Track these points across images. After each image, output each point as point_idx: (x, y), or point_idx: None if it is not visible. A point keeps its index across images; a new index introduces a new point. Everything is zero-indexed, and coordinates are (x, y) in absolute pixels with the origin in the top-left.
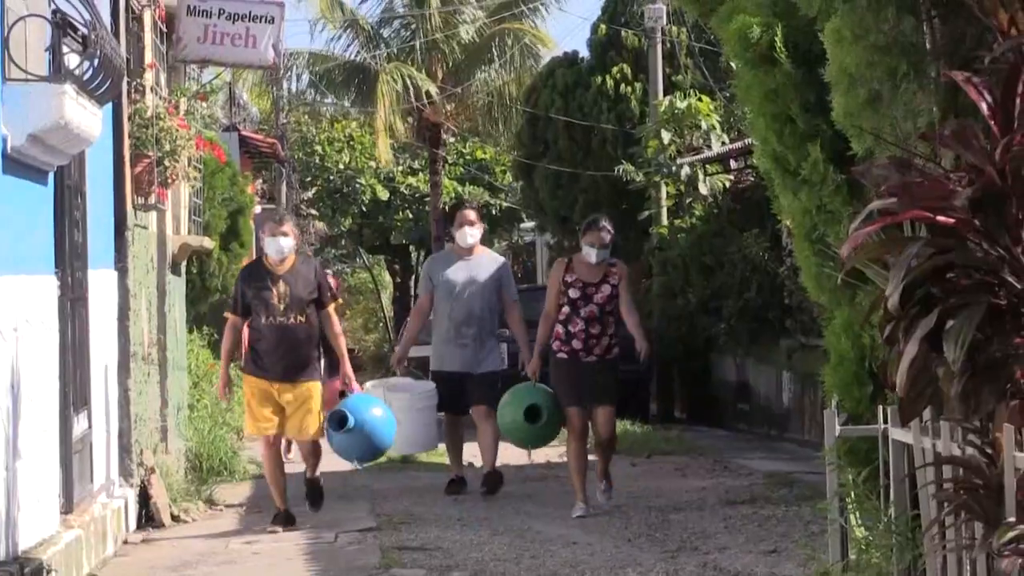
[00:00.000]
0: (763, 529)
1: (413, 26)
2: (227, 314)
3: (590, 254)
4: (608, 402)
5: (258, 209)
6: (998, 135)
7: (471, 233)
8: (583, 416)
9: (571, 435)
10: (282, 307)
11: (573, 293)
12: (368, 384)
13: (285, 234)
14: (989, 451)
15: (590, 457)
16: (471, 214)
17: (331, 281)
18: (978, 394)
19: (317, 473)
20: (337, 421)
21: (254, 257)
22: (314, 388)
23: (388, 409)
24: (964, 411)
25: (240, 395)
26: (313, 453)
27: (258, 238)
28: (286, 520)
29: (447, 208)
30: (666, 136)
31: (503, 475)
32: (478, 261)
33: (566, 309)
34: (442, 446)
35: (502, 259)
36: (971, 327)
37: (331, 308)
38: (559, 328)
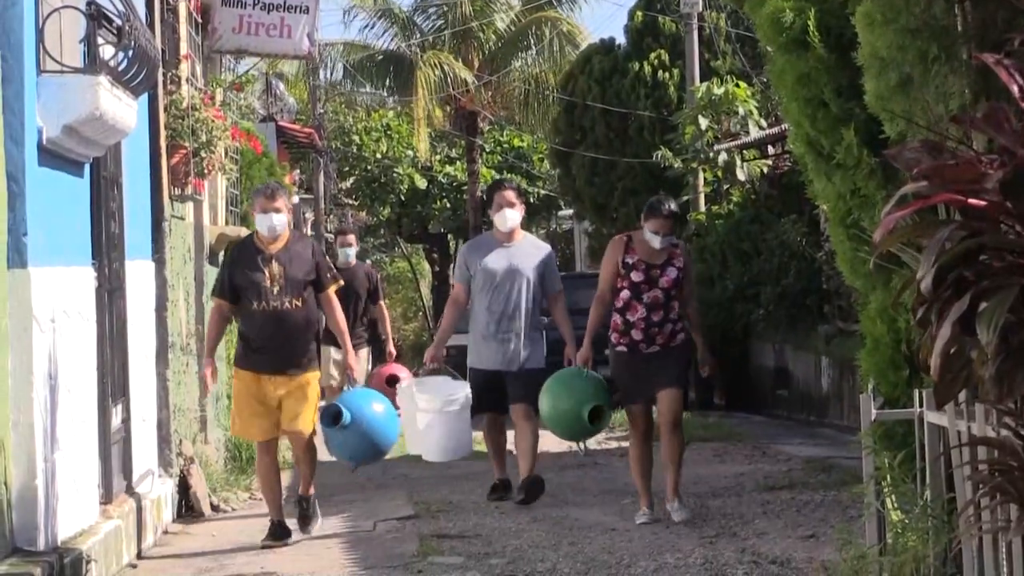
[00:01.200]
0: (801, 514)
1: (449, 15)
2: (212, 298)
3: (653, 240)
4: (673, 384)
5: (296, 199)
6: None
7: (511, 216)
8: (647, 415)
9: (634, 436)
10: (276, 290)
11: (636, 276)
12: (400, 386)
13: (278, 210)
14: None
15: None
16: (510, 194)
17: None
18: (1012, 376)
19: (311, 491)
20: (331, 416)
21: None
22: (311, 378)
23: (389, 404)
24: (998, 393)
25: (229, 388)
26: (306, 459)
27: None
28: (280, 533)
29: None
30: (703, 122)
31: (544, 482)
32: (520, 247)
33: (626, 294)
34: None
35: (547, 247)
36: (1004, 309)
37: (331, 291)
38: (616, 318)
